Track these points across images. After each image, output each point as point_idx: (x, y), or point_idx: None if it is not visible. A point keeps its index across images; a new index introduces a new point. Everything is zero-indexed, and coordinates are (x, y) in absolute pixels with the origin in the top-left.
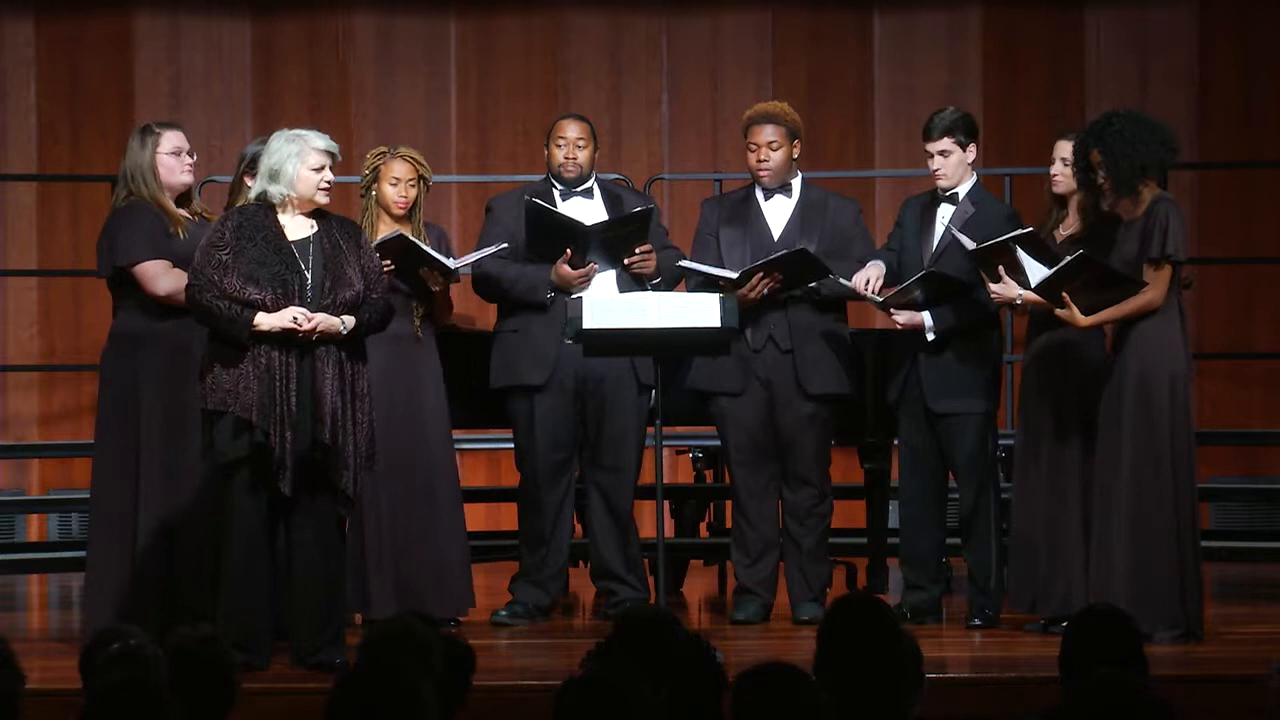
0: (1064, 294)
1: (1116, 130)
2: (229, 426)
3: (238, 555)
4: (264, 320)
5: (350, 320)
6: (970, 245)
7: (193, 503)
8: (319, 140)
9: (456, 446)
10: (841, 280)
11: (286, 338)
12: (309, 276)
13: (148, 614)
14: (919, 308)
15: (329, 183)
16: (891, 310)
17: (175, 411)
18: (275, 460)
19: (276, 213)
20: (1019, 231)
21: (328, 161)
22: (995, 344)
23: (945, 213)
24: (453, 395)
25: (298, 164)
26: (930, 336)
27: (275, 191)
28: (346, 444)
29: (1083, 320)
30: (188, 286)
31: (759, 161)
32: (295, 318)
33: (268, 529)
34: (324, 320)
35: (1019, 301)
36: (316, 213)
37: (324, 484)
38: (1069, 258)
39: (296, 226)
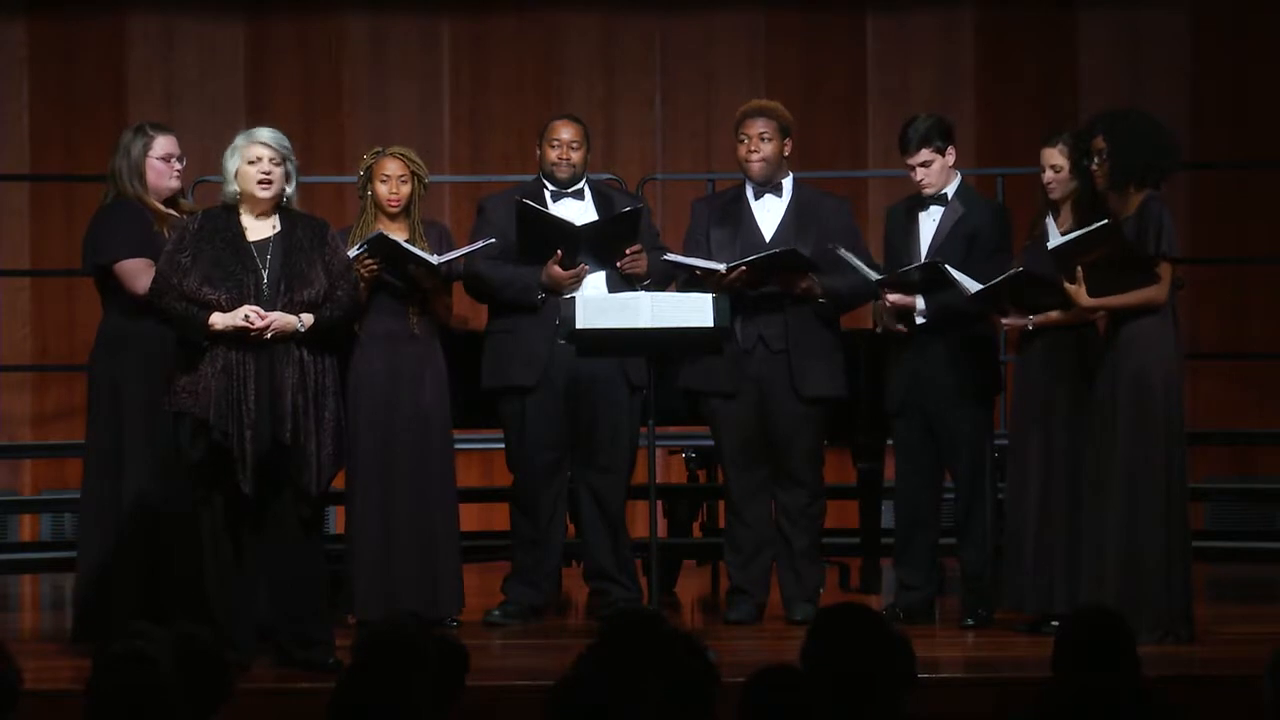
0: (1078, 267)
1: (1131, 124)
2: (189, 428)
3: (207, 556)
4: (218, 320)
5: (308, 318)
6: (1054, 242)
7: (177, 501)
8: (257, 134)
9: None
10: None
11: (243, 337)
12: (265, 276)
13: (133, 613)
14: (914, 291)
15: (265, 174)
16: (885, 291)
17: (158, 410)
18: (235, 460)
19: (239, 214)
20: (1103, 223)
21: (265, 153)
22: (993, 346)
23: (935, 214)
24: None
25: (238, 160)
26: (920, 320)
27: (229, 193)
28: (309, 442)
29: (1087, 300)
30: (150, 290)
31: (749, 152)
32: (248, 316)
33: (238, 528)
34: (279, 319)
35: (1030, 328)
36: (282, 213)
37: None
38: (1096, 224)
39: (259, 227)
